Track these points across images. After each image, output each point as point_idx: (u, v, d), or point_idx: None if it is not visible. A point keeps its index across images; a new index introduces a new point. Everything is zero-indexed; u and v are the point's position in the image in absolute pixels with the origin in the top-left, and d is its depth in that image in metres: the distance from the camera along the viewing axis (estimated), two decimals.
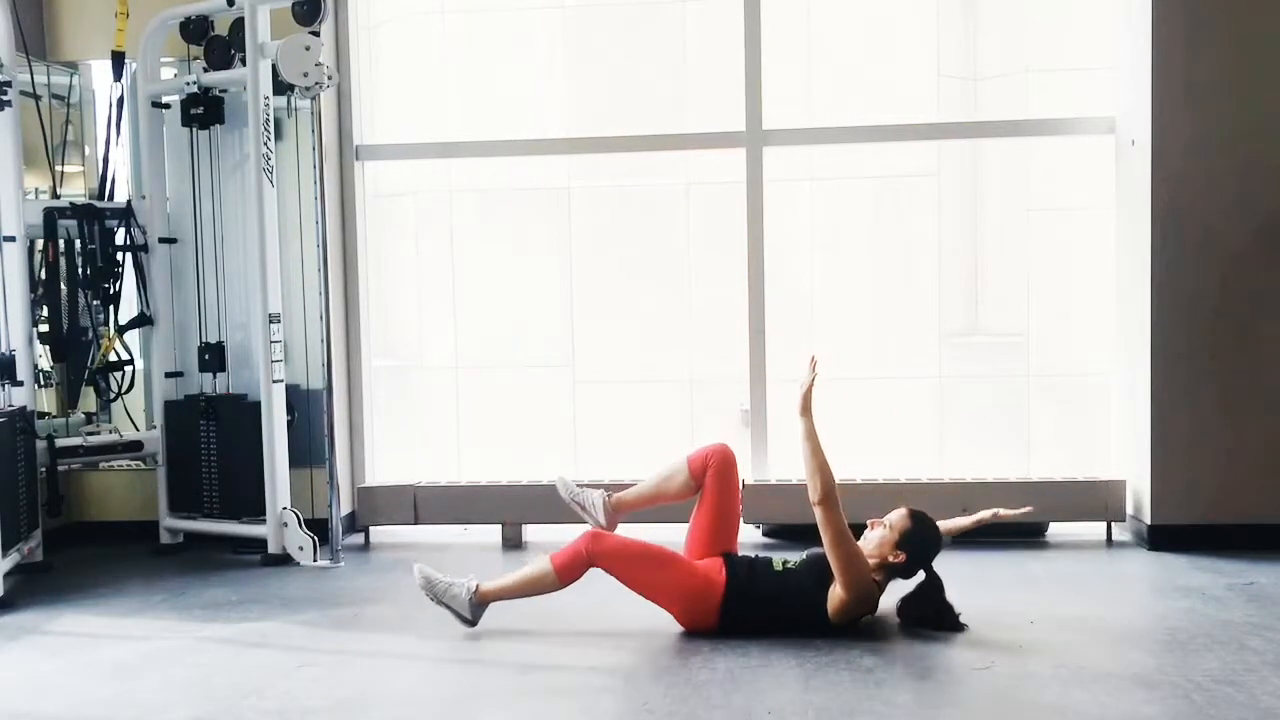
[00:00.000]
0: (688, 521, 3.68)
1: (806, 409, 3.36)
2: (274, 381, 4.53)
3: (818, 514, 3.28)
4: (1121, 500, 4.67)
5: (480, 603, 3.54)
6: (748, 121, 4.92)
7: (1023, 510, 3.73)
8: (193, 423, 4.81)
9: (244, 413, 4.72)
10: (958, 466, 4.95)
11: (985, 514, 3.71)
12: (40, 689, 3.13)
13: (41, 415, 4.70)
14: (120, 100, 4.86)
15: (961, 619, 3.46)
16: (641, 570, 3.44)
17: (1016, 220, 5.13)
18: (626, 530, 3.73)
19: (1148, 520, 4.53)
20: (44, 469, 4.55)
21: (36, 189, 4.96)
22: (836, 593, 3.33)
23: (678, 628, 3.50)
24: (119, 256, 4.78)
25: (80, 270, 4.69)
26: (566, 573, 3.46)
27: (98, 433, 4.80)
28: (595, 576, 4.27)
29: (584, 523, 3.78)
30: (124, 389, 4.84)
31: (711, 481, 3.62)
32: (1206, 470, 4.48)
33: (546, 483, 4.85)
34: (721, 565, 3.47)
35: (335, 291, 4.91)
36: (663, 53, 5.21)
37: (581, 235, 5.26)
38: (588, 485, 3.86)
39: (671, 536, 3.69)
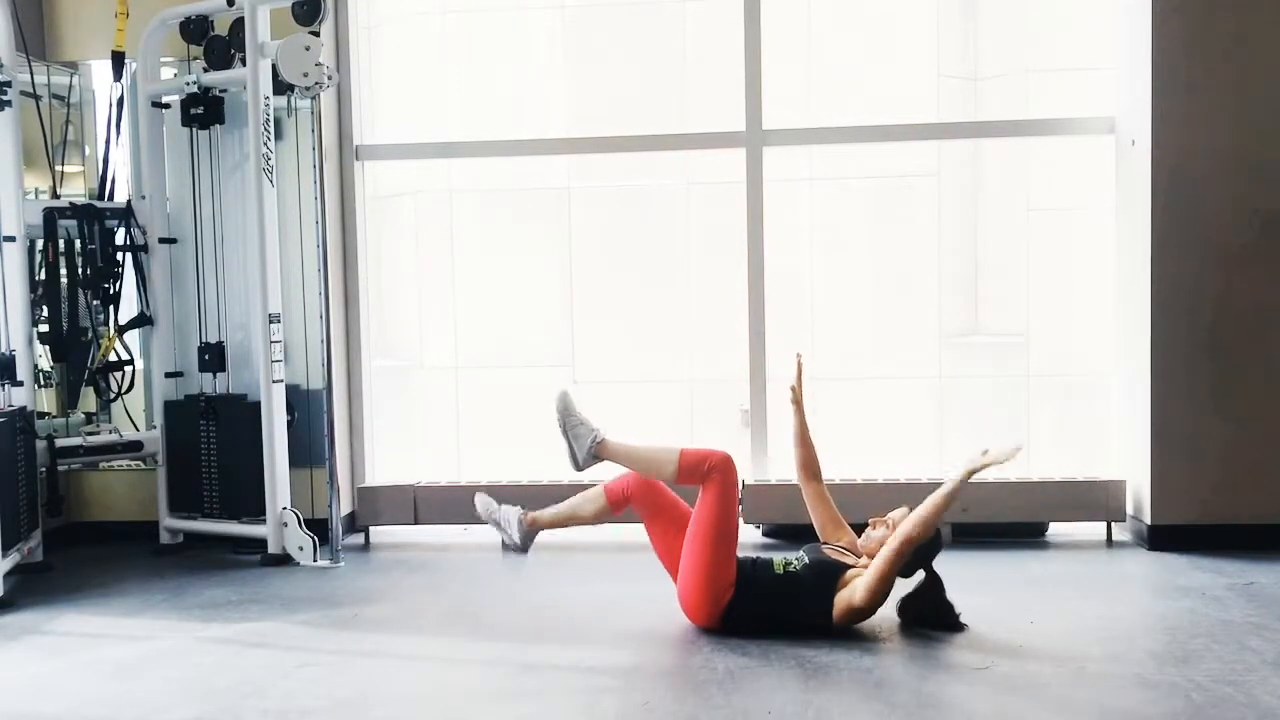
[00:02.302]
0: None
1: (973, 473, 3.32)
2: (274, 381, 4.53)
3: (896, 544, 3.26)
4: (1121, 500, 4.67)
5: (596, 454, 3.59)
6: (748, 121, 4.92)
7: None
8: (193, 423, 4.81)
9: (244, 413, 4.72)
10: (958, 466, 4.93)
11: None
12: (40, 689, 3.13)
13: (41, 415, 4.70)
14: (120, 100, 4.86)
15: (961, 619, 3.47)
16: (720, 521, 3.41)
17: (1016, 220, 5.13)
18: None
19: (1148, 520, 4.53)
20: (44, 469, 4.56)
21: (36, 189, 4.96)
22: (850, 599, 3.32)
23: (678, 627, 3.50)
24: (119, 256, 4.78)
25: (80, 270, 4.69)
26: (688, 469, 3.45)
27: (98, 433, 4.80)
28: (597, 574, 4.28)
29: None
30: (124, 389, 4.84)
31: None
32: (1206, 470, 4.48)
33: (547, 482, 4.87)
34: (734, 570, 3.46)
35: (335, 291, 4.91)
36: (663, 53, 5.21)
37: (581, 235, 5.26)
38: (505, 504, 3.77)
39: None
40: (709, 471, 3.44)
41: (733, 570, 3.43)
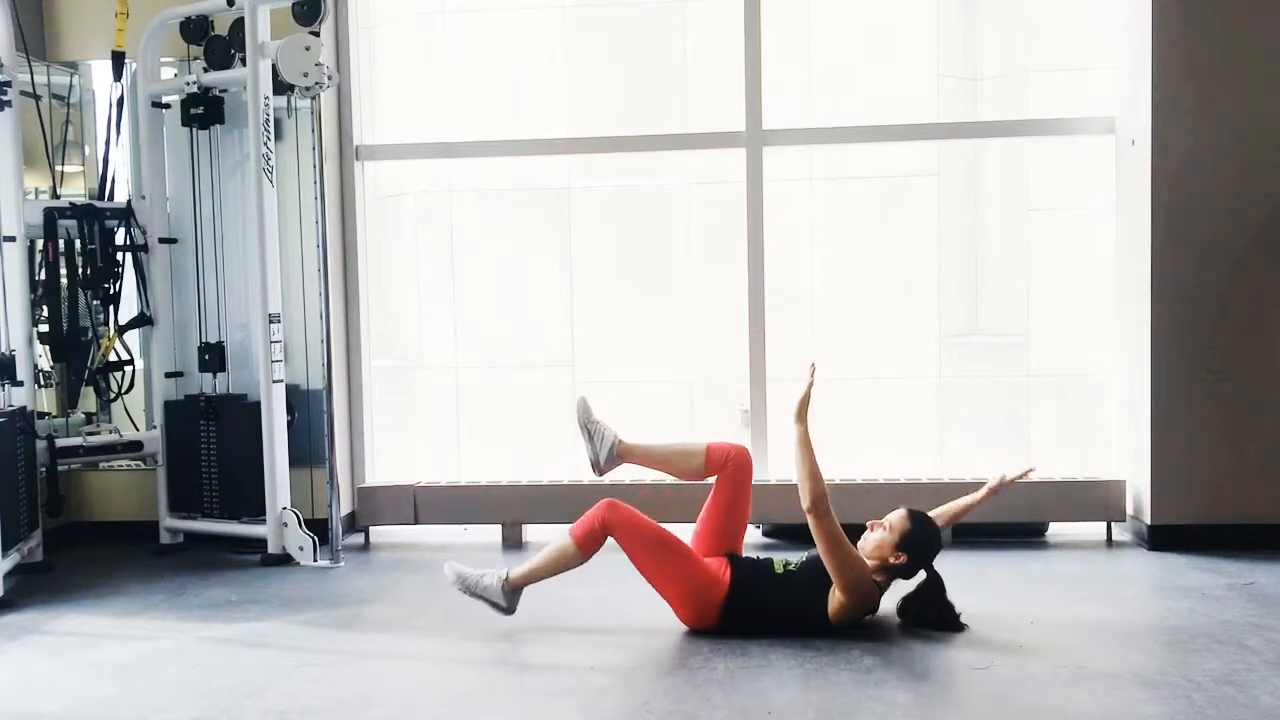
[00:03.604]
0: (693, 521, 3.68)
1: (802, 415, 3.37)
2: (274, 381, 4.53)
3: (809, 521, 3.28)
4: (1121, 500, 4.67)
5: (513, 590, 3.58)
6: (748, 121, 4.92)
7: (1026, 470, 3.67)
8: (193, 423, 4.81)
9: (244, 413, 4.72)
10: (958, 466, 4.95)
11: (993, 482, 3.68)
12: (40, 689, 3.13)
13: (41, 415, 4.70)
14: (120, 100, 4.86)
15: (961, 619, 3.47)
16: (651, 550, 3.43)
17: (1016, 220, 5.13)
18: None
19: (1148, 520, 4.53)
20: (44, 469, 4.56)
21: (36, 189, 4.96)
22: (836, 596, 3.33)
23: (678, 627, 3.50)
24: (119, 256, 4.79)
25: (80, 270, 4.69)
26: (586, 543, 3.48)
27: (98, 433, 4.80)
28: (597, 574, 4.28)
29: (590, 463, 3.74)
30: (124, 389, 4.84)
31: (727, 480, 3.62)
32: (1206, 470, 4.48)
33: (547, 483, 4.87)
34: (726, 565, 3.48)
35: (335, 291, 4.91)
36: (663, 53, 5.21)
37: (581, 235, 5.25)
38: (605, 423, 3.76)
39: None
40: (606, 531, 3.44)
41: (705, 570, 3.44)
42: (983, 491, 3.70)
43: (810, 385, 3.41)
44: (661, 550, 3.44)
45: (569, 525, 3.56)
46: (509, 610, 3.60)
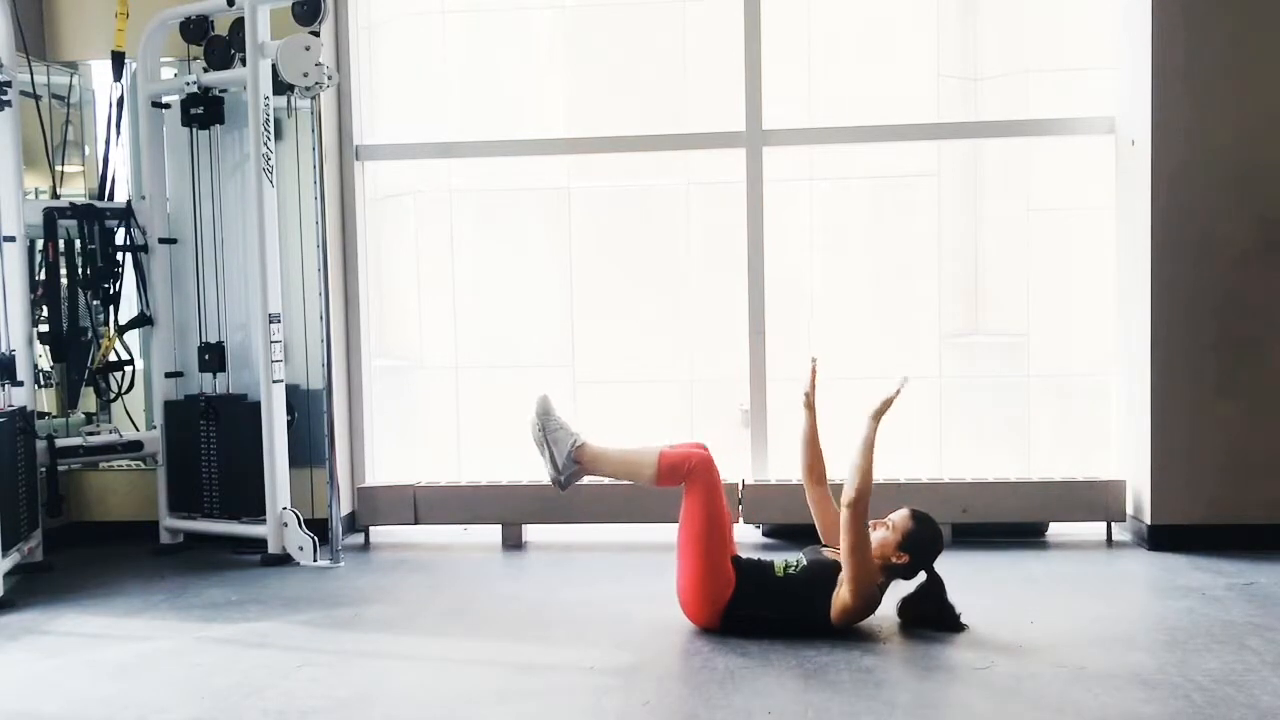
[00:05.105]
0: (675, 521, 3.62)
1: (879, 417, 3.34)
2: (274, 381, 4.53)
3: (844, 515, 3.27)
4: (1121, 500, 4.67)
5: (577, 459, 3.52)
6: (748, 121, 4.92)
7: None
8: (193, 423, 4.81)
9: (244, 413, 4.72)
10: (958, 466, 4.95)
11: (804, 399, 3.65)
12: (40, 689, 3.13)
13: (41, 415, 4.70)
14: (120, 100, 4.86)
15: (961, 619, 3.46)
16: (707, 521, 3.40)
17: (1016, 220, 5.13)
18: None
19: (1148, 520, 4.53)
20: (44, 469, 4.56)
21: (36, 189, 4.96)
22: (842, 597, 3.32)
23: (678, 627, 3.50)
24: (119, 256, 4.79)
25: (80, 270, 4.69)
26: (667, 472, 3.45)
27: (98, 433, 4.80)
28: (597, 574, 4.28)
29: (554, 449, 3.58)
30: (124, 389, 4.84)
31: (698, 486, 3.48)
32: (1206, 470, 4.48)
33: (547, 483, 4.86)
34: (731, 569, 3.46)
35: (335, 291, 4.91)
36: (663, 53, 5.21)
37: (581, 235, 5.26)
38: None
39: (663, 538, 3.67)
40: (689, 473, 3.43)
41: (729, 568, 3.43)
42: (805, 409, 3.66)
43: (897, 393, 3.35)
44: (714, 527, 3.41)
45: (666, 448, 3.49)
46: (560, 474, 3.52)
